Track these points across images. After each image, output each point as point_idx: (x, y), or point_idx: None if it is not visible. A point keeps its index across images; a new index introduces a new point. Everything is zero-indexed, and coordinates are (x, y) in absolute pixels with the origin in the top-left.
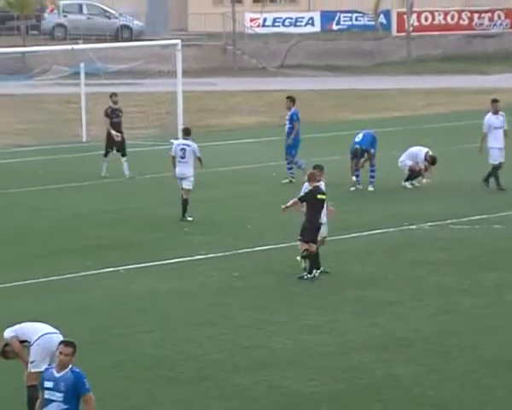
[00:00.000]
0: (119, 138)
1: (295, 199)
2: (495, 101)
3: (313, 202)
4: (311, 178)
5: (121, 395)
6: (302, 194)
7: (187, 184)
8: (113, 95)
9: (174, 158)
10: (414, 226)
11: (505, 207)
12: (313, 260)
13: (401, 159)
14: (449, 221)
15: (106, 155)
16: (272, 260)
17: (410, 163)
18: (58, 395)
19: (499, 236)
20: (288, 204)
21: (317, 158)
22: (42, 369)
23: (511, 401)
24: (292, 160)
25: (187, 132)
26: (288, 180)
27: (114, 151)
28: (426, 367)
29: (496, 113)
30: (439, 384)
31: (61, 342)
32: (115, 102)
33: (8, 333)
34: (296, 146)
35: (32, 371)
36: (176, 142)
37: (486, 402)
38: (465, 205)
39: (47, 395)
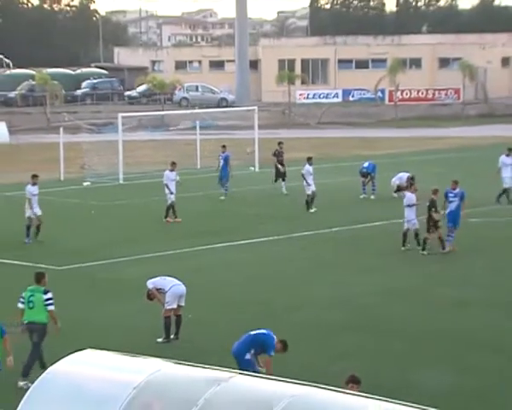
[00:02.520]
0: (283, 170)
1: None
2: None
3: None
4: (433, 192)
5: (211, 321)
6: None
7: (307, 189)
8: (280, 143)
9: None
10: (400, 220)
11: None
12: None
13: (393, 179)
14: (420, 218)
15: (275, 181)
16: (315, 240)
17: (397, 182)
18: None
19: None
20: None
21: (340, 178)
22: (174, 306)
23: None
24: (226, 185)
25: (309, 159)
26: (223, 197)
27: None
28: (409, 307)
29: (508, 155)
30: (419, 319)
31: None
32: (281, 148)
33: (149, 284)
34: (227, 176)
35: (167, 308)
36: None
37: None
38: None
39: None
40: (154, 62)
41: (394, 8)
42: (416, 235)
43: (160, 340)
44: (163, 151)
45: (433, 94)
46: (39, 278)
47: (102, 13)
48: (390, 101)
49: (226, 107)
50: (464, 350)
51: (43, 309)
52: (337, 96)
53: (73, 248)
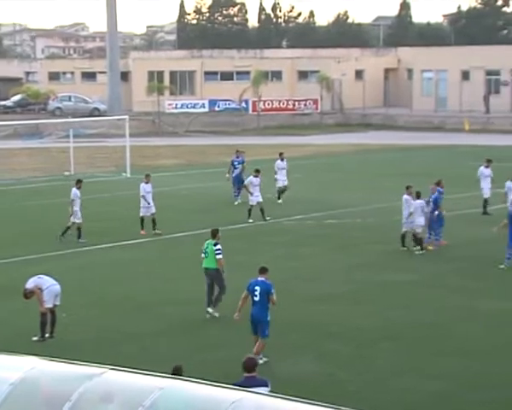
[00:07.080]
0: None
1: None
2: (489, 161)
3: None
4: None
5: (84, 319)
6: None
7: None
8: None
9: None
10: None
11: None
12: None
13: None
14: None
15: None
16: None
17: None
18: None
19: (357, 226)
20: None
21: (209, 183)
22: (50, 305)
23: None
24: None
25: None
26: None
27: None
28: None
29: (487, 167)
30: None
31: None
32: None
33: (31, 284)
34: None
35: (45, 306)
36: None
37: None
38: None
39: None
40: (28, 73)
41: (256, 24)
42: None
43: (35, 338)
44: (38, 158)
45: (294, 104)
46: (214, 233)
47: None
48: (253, 111)
49: (99, 116)
50: (320, 339)
51: (214, 258)
52: (204, 106)
53: None
